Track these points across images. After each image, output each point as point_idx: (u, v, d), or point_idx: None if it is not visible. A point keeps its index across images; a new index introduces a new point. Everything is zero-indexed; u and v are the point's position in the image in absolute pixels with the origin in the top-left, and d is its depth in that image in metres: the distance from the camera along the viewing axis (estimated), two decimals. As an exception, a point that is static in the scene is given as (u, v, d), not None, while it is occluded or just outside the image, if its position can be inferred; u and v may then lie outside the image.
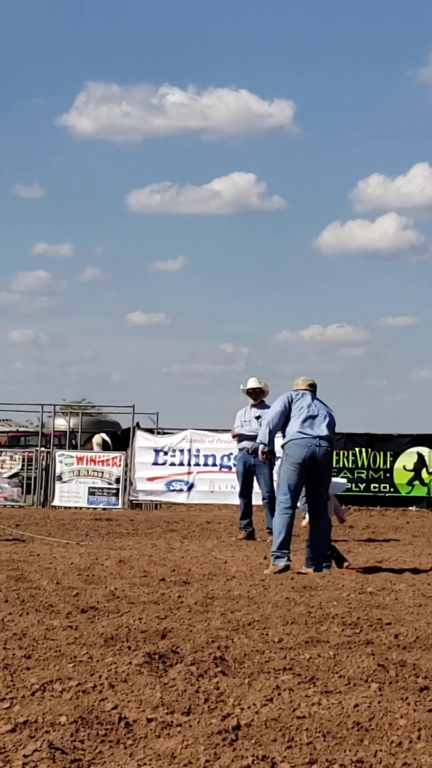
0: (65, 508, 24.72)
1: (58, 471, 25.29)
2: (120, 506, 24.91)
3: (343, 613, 7.75)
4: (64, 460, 25.30)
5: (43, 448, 26.81)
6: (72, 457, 25.53)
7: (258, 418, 15.51)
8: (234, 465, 17.23)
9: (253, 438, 15.44)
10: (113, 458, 25.46)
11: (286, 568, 10.73)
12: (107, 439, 27.52)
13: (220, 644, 6.46)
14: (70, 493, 25.24)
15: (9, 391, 79.07)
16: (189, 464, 24.91)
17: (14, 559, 11.50)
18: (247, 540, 15.09)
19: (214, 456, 24.94)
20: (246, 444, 15.62)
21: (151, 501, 25.60)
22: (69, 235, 71.87)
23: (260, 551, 13.12)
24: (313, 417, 11.10)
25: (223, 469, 24.47)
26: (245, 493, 15.72)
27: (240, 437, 15.78)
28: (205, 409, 71.76)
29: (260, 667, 5.89)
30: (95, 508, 24.72)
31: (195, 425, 25.82)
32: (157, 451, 24.99)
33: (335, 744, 4.41)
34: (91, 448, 27.65)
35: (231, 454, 21.81)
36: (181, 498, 24.66)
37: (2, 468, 25.69)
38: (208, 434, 25.04)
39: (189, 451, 24.90)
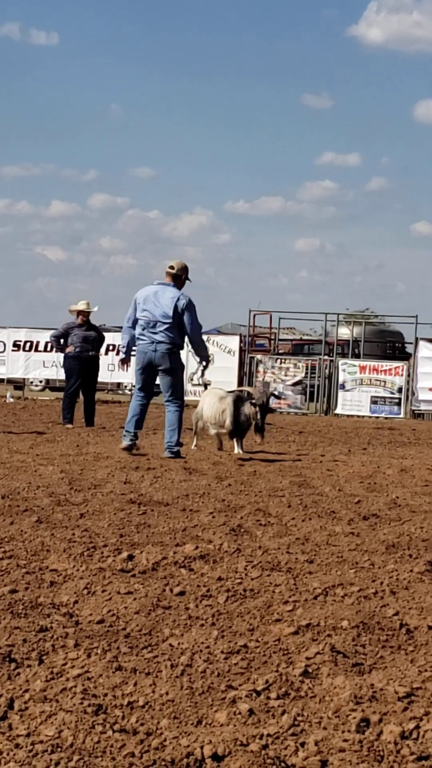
0: (347, 416, 24.85)
1: (341, 379, 25.41)
2: (402, 415, 24.81)
3: None
4: (347, 369, 25.39)
5: (326, 357, 26.96)
6: (355, 366, 25.57)
7: None
8: None
9: None
10: (396, 368, 25.32)
11: (130, 447, 12.09)
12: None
13: None
14: (353, 402, 25.35)
15: (294, 299, 79.91)
16: (473, 374, 24.48)
17: (297, 466, 11.68)
18: None
19: None
20: None
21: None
22: (356, 145, 71.57)
23: None
24: (152, 319, 11.95)
25: None
26: None
27: None
28: None
29: None
30: (377, 417, 24.73)
31: None
32: (440, 361, 24.68)
33: None
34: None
35: None
36: (463, 408, 24.30)
37: (286, 375, 26.04)
38: None
39: (473, 361, 24.46)
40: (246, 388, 14.49)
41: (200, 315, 12.07)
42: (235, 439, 13.08)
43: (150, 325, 11.96)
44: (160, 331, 11.93)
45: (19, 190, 75.62)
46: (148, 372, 12.18)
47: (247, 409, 12.93)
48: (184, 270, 12.14)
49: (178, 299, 11.91)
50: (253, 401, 13.01)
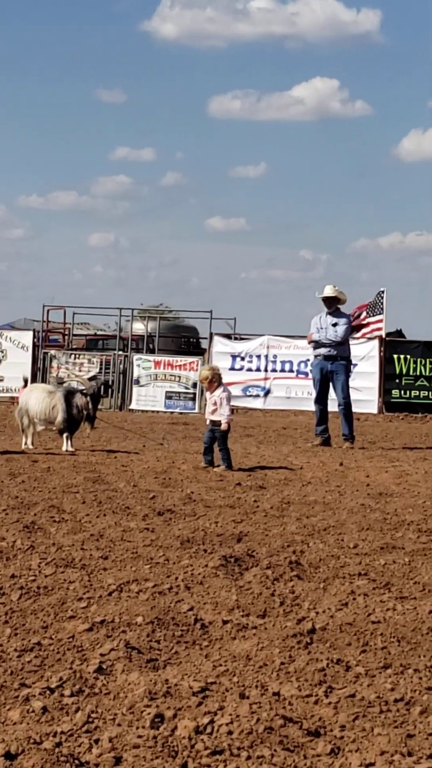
0: (142, 411, 24.91)
1: (135, 375, 25.44)
2: (196, 410, 25.02)
3: (419, 520, 7.74)
4: (142, 364, 25.43)
5: (120, 352, 26.95)
6: (149, 361, 25.64)
7: (334, 325, 15.39)
8: (310, 371, 17.16)
9: (329, 345, 15.36)
10: (190, 363, 25.53)
11: None
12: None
13: (295, 549, 6.49)
14: (148, 397, 25.41)
15: (88, 294, 79.51)
16: (266, 370, 24.93)
17: (91, 461, 11.62)
18: (322, 446, 15.08)
19: (290, 362, 24.91)
20: (322, 351, 15.54)
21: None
22: (150, 140, 71.62)
23: (336, 458, 13.11)
24: None
25: (299, 376, 24.48)
26: (321, 399, 15.65)
27: (316, 344, 15.68)
28: (282, 316, 71.61)
29: (335, 572, 5.91)
30: (172, 412, 24.88)
31: (272, 331, 25.76)
32: (234, 357, 25.03)
33: (409, 649, 4.42)
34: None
35: (308, 360, 21.73)
36: (258, 403, 24.71)
37: (80, 371, 25.90)
38: (285, 340, 25.00)
39: (266, 356, 24.90)
40: (75, 379, 14.44)
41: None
42: (65, 435, 12.94)
43: None
44: None
45: None
46: None
47: (79, 400, 12.86)
48: None
49: None
50: (84, 391, 12.97)
